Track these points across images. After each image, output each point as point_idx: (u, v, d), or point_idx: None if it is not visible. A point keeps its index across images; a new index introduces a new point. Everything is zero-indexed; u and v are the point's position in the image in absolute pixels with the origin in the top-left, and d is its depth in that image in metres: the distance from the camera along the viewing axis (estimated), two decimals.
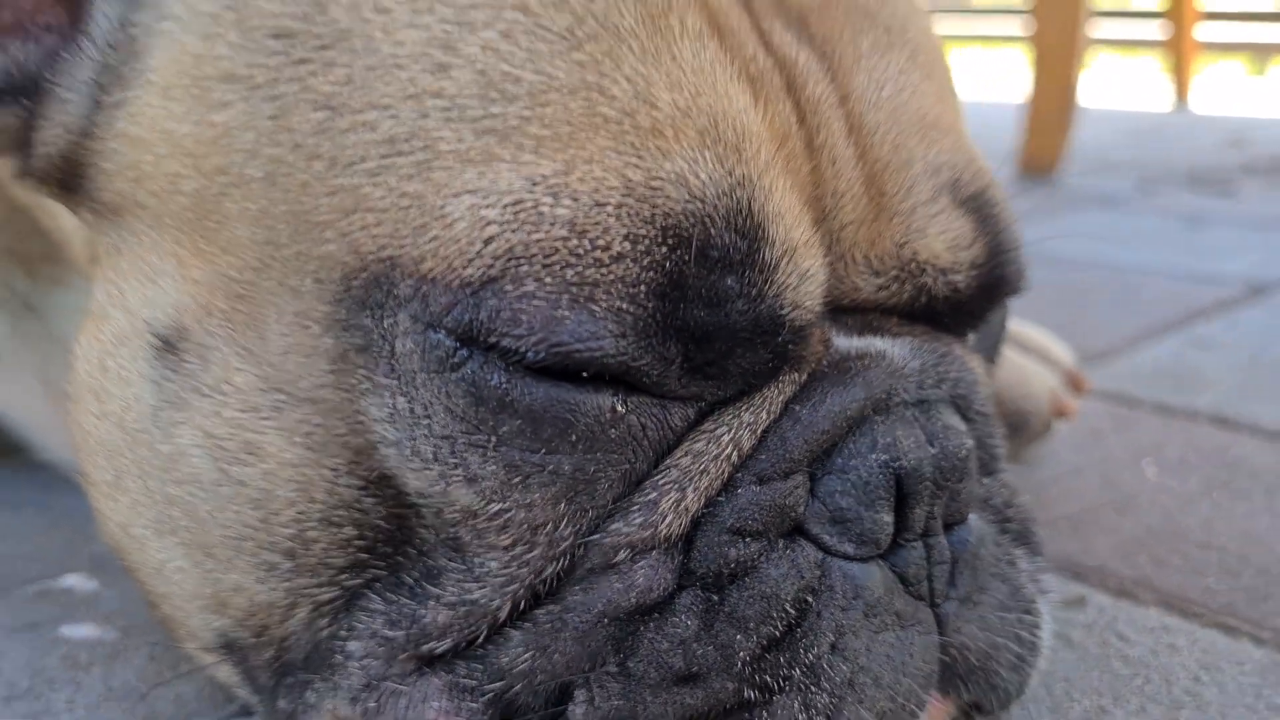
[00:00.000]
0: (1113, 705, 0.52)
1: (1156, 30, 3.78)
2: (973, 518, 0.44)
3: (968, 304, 0.45)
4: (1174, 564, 0.65)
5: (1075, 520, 0.70)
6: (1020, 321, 0.90)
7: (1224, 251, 1.53)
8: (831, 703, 0.38)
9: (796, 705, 0.38)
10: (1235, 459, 0.80)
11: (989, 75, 5.09)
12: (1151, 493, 0.74)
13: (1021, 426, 0.77)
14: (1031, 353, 0.81)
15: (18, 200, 0.61)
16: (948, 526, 0.43)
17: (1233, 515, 0.71)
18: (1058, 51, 2.08)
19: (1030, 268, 0.48)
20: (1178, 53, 3.67)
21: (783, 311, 0.39)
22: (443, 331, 0.37)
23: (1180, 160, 2.45)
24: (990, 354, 0.51)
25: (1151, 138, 2.89)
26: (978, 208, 0.45)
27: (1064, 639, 0.57)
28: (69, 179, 0.45)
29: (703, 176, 0.37)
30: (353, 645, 0.41)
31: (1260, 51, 4.89)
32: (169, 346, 0.42)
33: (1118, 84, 4.70)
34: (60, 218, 0.56)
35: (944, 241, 0.44)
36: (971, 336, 0.48)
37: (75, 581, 0.61)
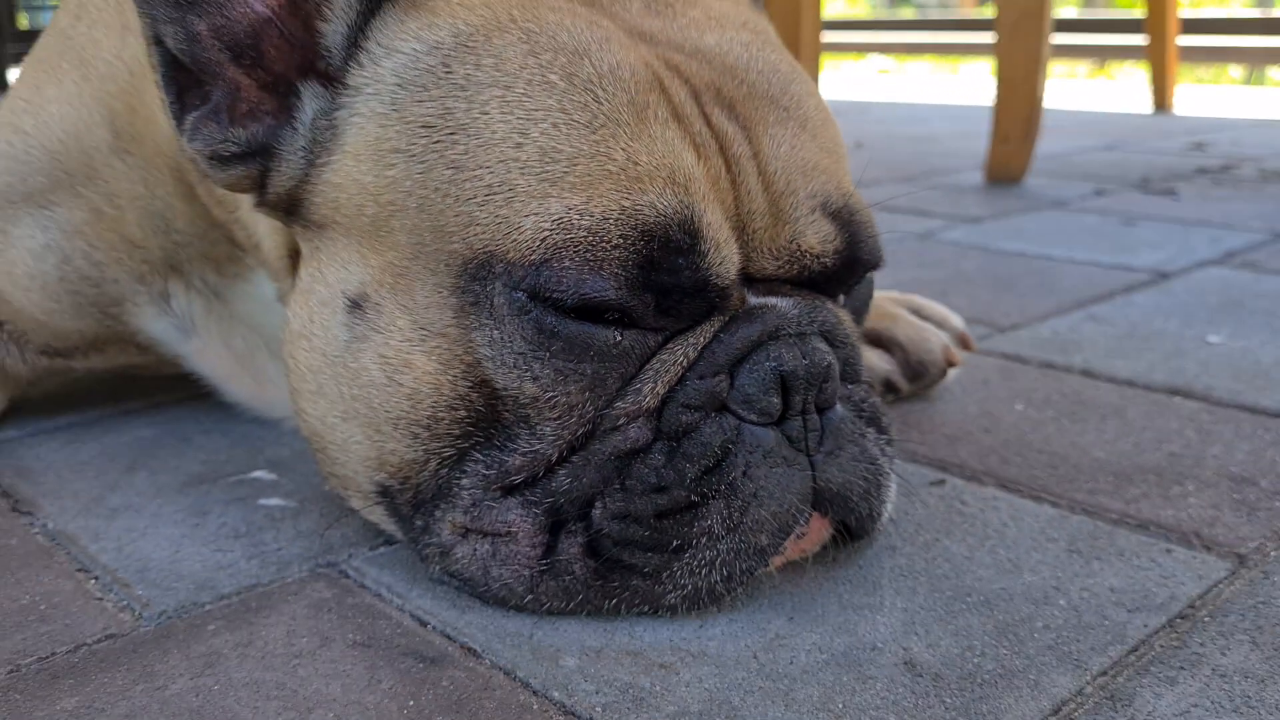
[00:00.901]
0: (944, 538, 0.80)
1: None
2: (839, 406, 0.72)
3: (835, 275, 0.73)
4: (1015, 462, 0.93)
5: (951, 436, 0.98)
6: (932, 299, 1.17)
7: (1146, 245, 1.78)
8: (742, 504, 0.66)
9: (723, 505, 0.66)
10: (1086, 399, 1.08)
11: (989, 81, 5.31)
12: (1015, 420, 1.02)
13: (923, 373, 1.05)
14: (931, 320, 1.09)
15: (216, 219, 0.90)
16: (820, 410, 0.70)
17: (1068, 433, 0.99)
18: (1021, 70, 2.31)
19: (891, 253, 0.77)
20: (1159, 61, 3.89)
21: (711, 279, 0.66)
22: (520, 292, 0.65)
23: (1141, 164, 2.70)
24: (861, 309, 0.79)
25: (1121, 144, 3.14)
26: (840, 216, 0.73)
27: (922, 503, 0.85)
28: (290, 207, 0.73)
29: (666, 203, 0.65)
30: (465, 482, 0.69)
31: (1247, 59, 5.10)
32: (356, 305, 0.70)
33: (1113, 92, 4.93)
34: (256, 234, 0.84)
35: (817, 239, 0.72)
36: (842, 298, 0.76)
37: (260, 474, 0.90)
